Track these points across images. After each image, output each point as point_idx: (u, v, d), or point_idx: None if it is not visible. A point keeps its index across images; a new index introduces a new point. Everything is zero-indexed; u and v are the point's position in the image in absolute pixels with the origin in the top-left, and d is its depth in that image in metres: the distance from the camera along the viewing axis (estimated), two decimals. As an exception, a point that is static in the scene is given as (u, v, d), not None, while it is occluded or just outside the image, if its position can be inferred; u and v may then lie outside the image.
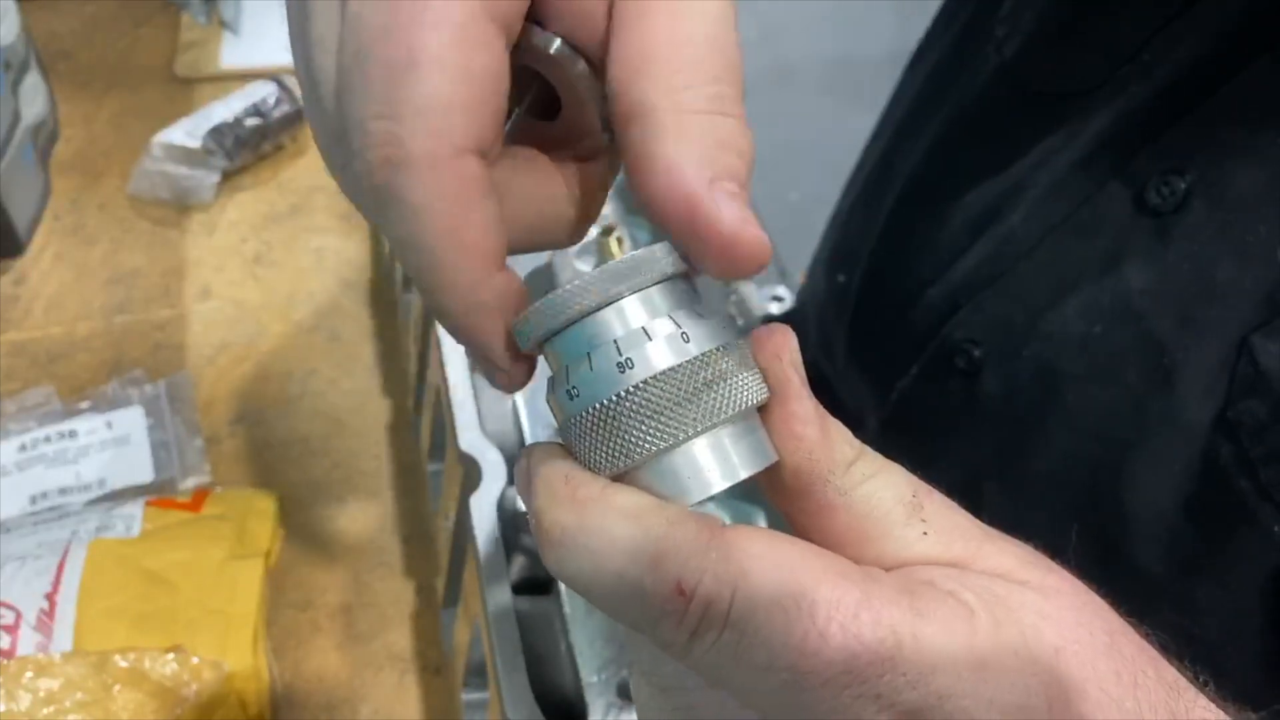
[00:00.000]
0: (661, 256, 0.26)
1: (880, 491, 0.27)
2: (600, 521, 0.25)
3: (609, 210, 0.67)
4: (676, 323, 0.26)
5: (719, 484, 0.26)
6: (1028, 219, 0.58)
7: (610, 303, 0.26)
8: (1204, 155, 0.50)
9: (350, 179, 0.27)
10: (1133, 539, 0.52)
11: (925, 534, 0.26)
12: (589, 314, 0.26)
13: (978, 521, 0.28)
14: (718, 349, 0.26)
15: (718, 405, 0.25)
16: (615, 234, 0.64)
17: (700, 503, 0.26)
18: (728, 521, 0.26)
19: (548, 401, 0.28)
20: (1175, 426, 0.50)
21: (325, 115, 0.27)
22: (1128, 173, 0.53)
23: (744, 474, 0.26)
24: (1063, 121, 0.57)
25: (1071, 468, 0.55)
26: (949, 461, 0.61)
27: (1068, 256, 0.56)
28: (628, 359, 0.25)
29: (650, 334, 0.26)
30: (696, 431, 0.25)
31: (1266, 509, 0.47)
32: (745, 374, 0.26)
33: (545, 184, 0.29)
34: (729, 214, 0.25)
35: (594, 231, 0.65)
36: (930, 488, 0.28)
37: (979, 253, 0.61)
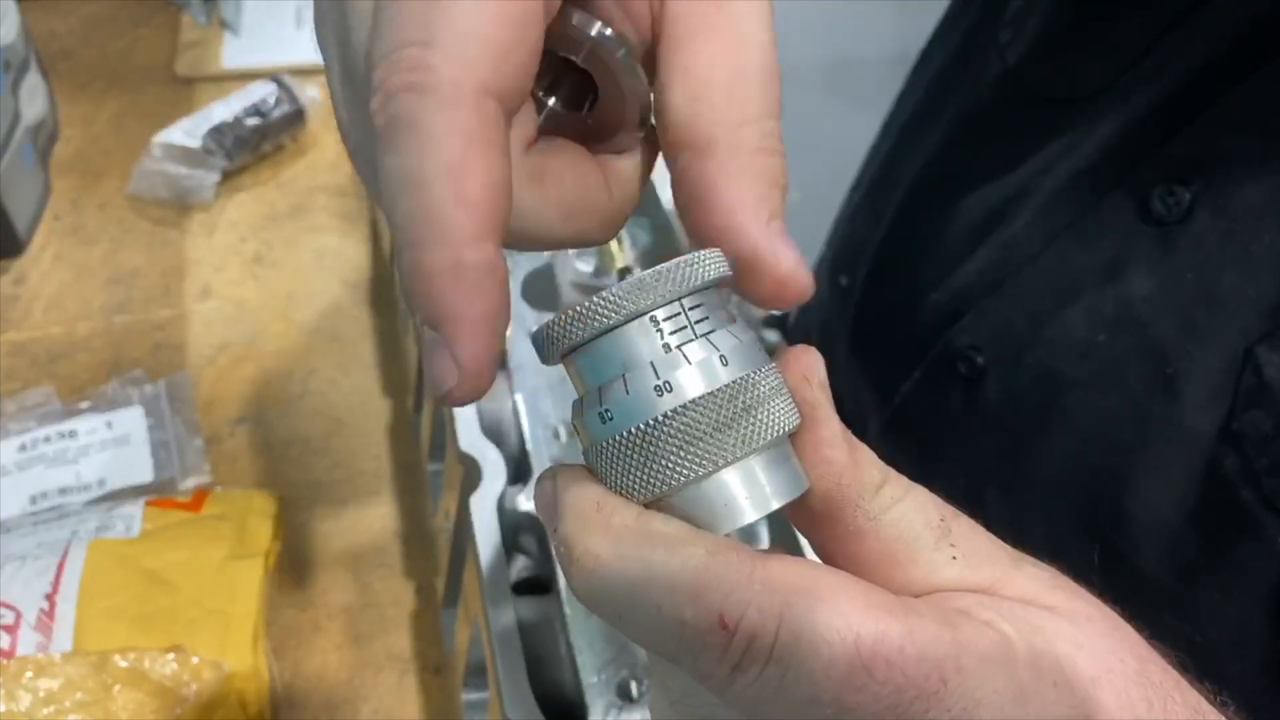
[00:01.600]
0: (695, 266, 0.25)
1: (909, 515, 0.26)
2: (637, 551, 0.24)
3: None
4: (713, 344, 0.25)
5: (753, 513, 0.25)
6: (1031, 225, 0.58)
7: (642, 315, 0.25)
8: (1209, 165, 0.50)
9: (362, 130, 0.26)
10: (1135, 545, 0.52)
11: (954, 558, 0.26)
12: (621, 327, 0.25)
13: (1002, 544, 0.27)
14: (754, 373, 0.25)
15: (754, 432, 0.25)
16: (615, 234, 0.64)
17: (734, 531, 0.25)
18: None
19: (573, 424, 0.27)
20: (1178, 435, 0.50)
21: (354, 70, 0.26)
22: (1132, 181, 0.53)
23: (777, 503, 0.25)
24: (1066, 127, 0.57)
25: (1074, 474, 0.55)
26: (951, 466, 0.61)
27: (1071, 264, 0.56)
28: (665, 383, 0.25)
29: (688, 357, 0.25)
30: (733, 459, 0.25)
31: (1270, 519, 0.47)
32: (779, 399, 0.26)
33: (583, 173, 0.29)
34: (787, 257, 0.27)
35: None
36: (956, 510, 0.27)
37: (982, 258, 0.61)
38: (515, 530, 0.50)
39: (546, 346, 0.26)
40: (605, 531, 0.25)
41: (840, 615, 0.23)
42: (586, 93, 0.29)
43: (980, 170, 0.62)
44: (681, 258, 0.25)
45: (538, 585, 0.50)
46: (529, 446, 0.54)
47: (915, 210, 0.69)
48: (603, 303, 0.25)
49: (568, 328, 0.25)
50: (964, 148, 0.66)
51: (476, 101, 0.24)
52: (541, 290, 0.60)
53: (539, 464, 0.53)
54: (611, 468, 0.25)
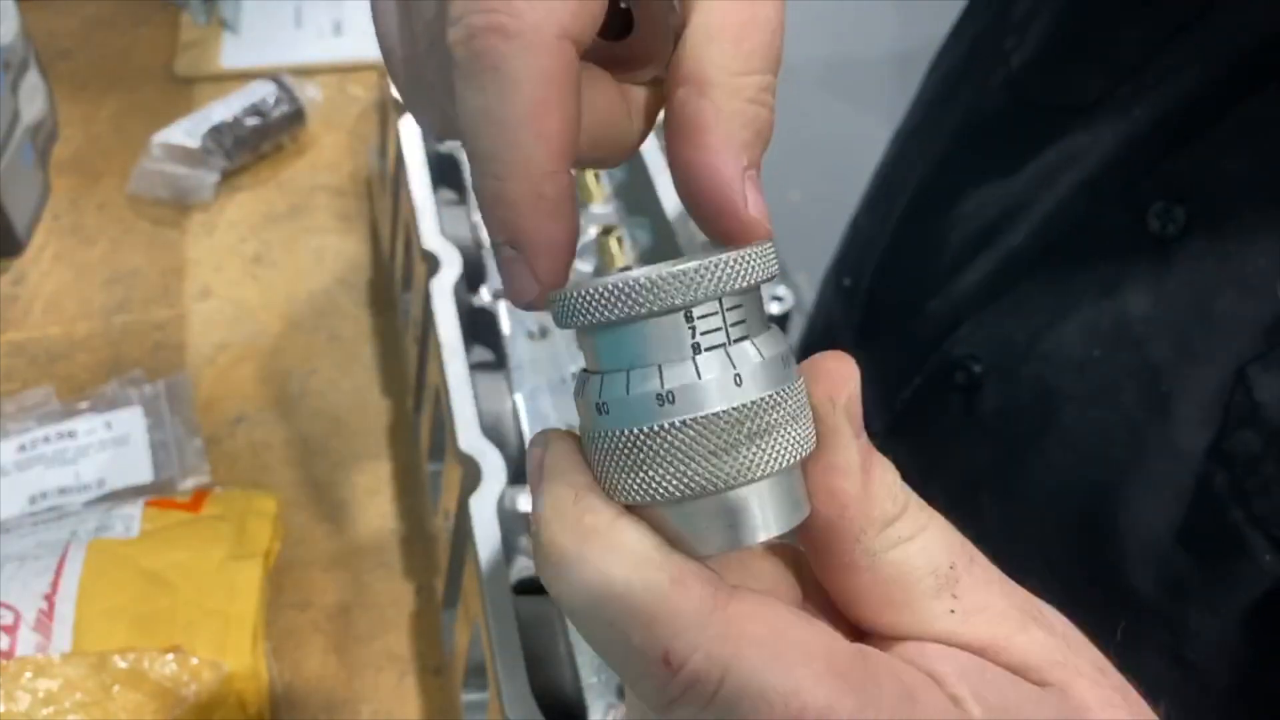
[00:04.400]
0: (742, 263, 0.24)
1: (913, 558, 0.25)
2: (601, 560, 0.23)
3: (609, 210, 0.67)
4: (730, 359, 0.24)
5: (733, 545, 0.24)
6: (1030, 237, 0.58)
7: (666, 314, 0.24)
8: (1206, 185, 0.50)
9: (422, 45, 0.27)
10: (1126, 561, 0.52)
11: (952, 611, 0.25)
12: (636, 322, 0.24)
13: (1017, 599, 0.26)
14: (769, 397, 0.24)
15: (756, 463, 0.23)
16: (615, 234, 0.64)
17: (713, 557, 0.24)
18: None
19: (575, 399, 0.26)
20: (1170, 453, 0.50)
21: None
22: (1130, 198, 0.53)
23: (765, 536, 0.24)
24: (1067, 137, 0.57)
25: (1067, 488, 0.55)
26: (948, 474, 0.62)
27: (1068, 278, 0.56)
28: (669, 393, 0.23)
29: (700, 370, 0.23)
30: (725, 487, 0.23)
31: (1257, 538, 0.47)
32: (793, 427, 0.24)
33: (610, 100, 0.29)
34: (753, 204, 0.27)
35: (593, 232, 0.65)
36: (974, 555, 0.26)
37: (981, 268, 0.61)
38: (515, 530, 0.50)
39: (566, 314, 0.25)
40: (575, 528, 0.24)
41: (792, 678, 0.22)
42: (621, 22, 0.29)
43: (982, 176, 0.62)
44: (729, 254, 0.24)
45: (538, 585, 0.50)
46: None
47: (917, 216, 0.69)
48: (632, 289, 0.23)
49: (590, 304, 0.24)
50: (967, 153, 0.66)
51: (557, 45, 0.25)
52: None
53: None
54: (600, 461, 0.24)
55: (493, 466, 0.50)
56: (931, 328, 0.63)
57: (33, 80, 0.84)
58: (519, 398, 0.57)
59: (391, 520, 0.69)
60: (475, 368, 0.57)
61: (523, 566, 0.50)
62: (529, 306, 0.27)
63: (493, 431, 0.54)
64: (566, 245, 0.26)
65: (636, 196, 0.67)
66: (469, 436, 0.52)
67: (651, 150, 0.66)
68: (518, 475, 0.52)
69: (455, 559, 0.55)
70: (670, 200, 0.63)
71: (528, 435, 0.56)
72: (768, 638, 0.23)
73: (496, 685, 0.44)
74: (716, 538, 0.24)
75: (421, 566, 0.66)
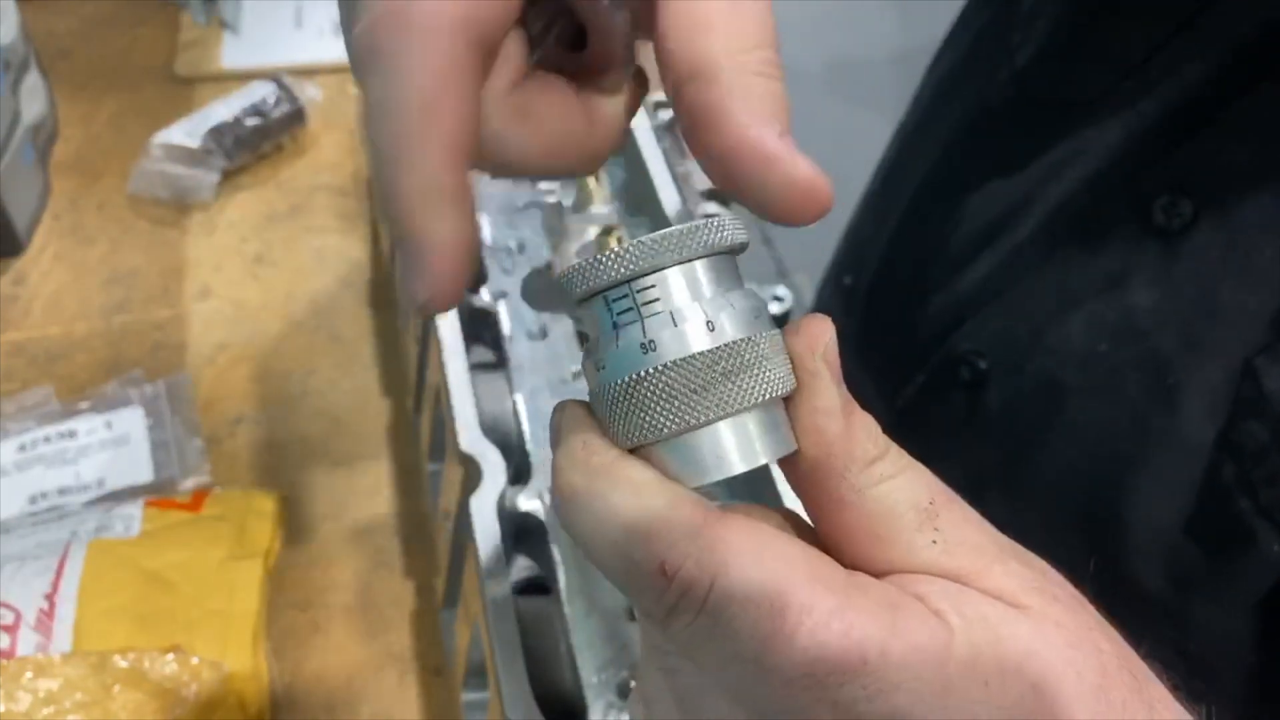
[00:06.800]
0: (713, 229, 0.27)
1: (895, 494, 0.27)
2: (605, 489, 0.26)
3: (609, 210, 0.67)
4: (704, 310, 0.26)
5: (717, 473, 0.27)
6: (1035, 232, 0.58)
7: (643, 275, 0.26)
8: (1211, 177, 0.50)
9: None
10: (1132, 554, 0.52)
11: (934, 543, 0.26)
12: (621, 283, 0.27)
13: (996, 537, 0.28)
14: (742, 340, 0.26)
15: (733, 396, 0.26)
16: (615, 234, 0.64)
17: (705, 485, 0.27)
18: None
19: (583, 364, 0.29)
20: (1177, 445, 0.50)
21: None
22: (1135, 192, 0.53)
23: (744, 467, 0.27)
24: (1071, 132, 0.57)
25: (1073, 482, 0.55)
26: (952, 470, 0.62)
27: (1074, 272, 0.56)
28: (650, 341, 0.26)
29: (676, 319, 0.26)
30: (710, 419, 0.26)
31: (1265, 529, 0.47)
32: (768, 366, 0.27)
33: (567, 111, 0.30)
34: (804, 164, 0.27)
35: (593, 232, 0.65)
36: (953, 496, 0.28)
37: (986, 264, 0.61)
38: (515, 530, 0.50)
39: (569, 287, 0.27)
40: (584, 468, 0.26)
41: (774, 581, 0.24)
42: (582, 32, 0.30)
43: (986, 172, 0.62)
44: (701, 220, 0.27)
45: (538, 585, 0.50)
46: (529, 446, 0.54)
47: (921, 213, 0.69)
48: (614, 258, 0.26)
49: (576, 278, 0.27)
50: (971, 148, 0.66)
51: (450, 37, 0.25)
52: (542, 286, 0.60)
53: (539, 464, 0.53)
54: (603, 412, 0.27)
55: (493, 466, 0.50)
56: (935, 324, 0.64)
57: (33, 80, 0.84)
58: (519, 398, 0.57)
59: (391, 520, 0.69)
60: (475, 368, 0.57)
61: (523, 566, 0.50)
62: (422, 310, 0.27)
63: (493, 431, 0.54)
64: (455, 247, 0.26)
65: (636, 196, 0.67)
66: (469, 436, 0.52)
67: (651, 150, 0.66)
68: (518, 475, 0.52)
69: (455, 559, 0.55)
70: (670, 200, 0.63)
71: (528, 435, 0.56)
72: (753, 548, 0.25)
73: (496, 685, 0.44)
74: (707, 467, 0.27)
75: (421, 566, 0.66)
